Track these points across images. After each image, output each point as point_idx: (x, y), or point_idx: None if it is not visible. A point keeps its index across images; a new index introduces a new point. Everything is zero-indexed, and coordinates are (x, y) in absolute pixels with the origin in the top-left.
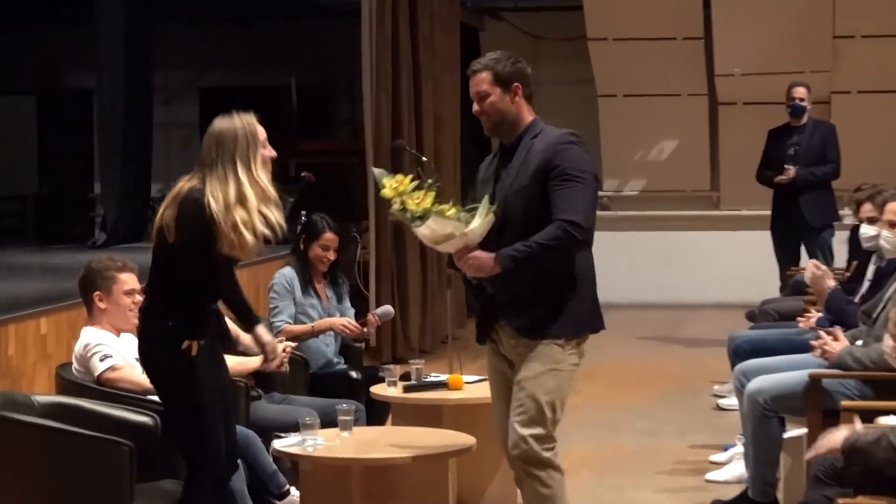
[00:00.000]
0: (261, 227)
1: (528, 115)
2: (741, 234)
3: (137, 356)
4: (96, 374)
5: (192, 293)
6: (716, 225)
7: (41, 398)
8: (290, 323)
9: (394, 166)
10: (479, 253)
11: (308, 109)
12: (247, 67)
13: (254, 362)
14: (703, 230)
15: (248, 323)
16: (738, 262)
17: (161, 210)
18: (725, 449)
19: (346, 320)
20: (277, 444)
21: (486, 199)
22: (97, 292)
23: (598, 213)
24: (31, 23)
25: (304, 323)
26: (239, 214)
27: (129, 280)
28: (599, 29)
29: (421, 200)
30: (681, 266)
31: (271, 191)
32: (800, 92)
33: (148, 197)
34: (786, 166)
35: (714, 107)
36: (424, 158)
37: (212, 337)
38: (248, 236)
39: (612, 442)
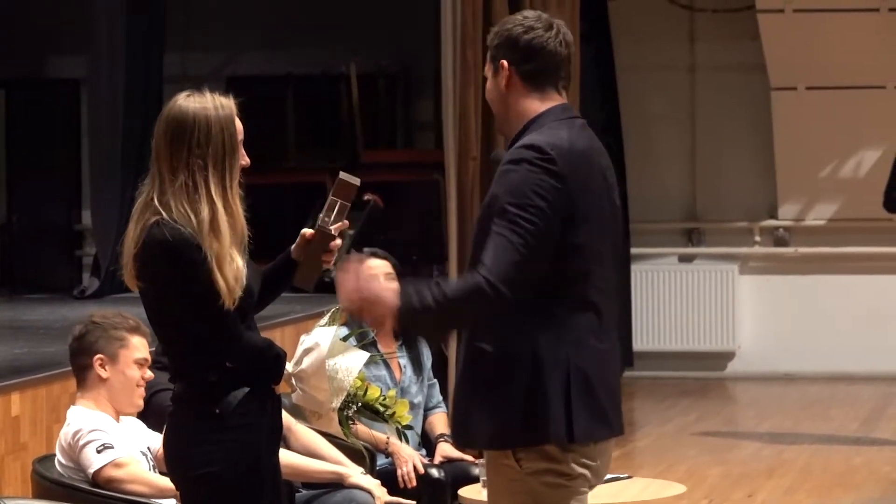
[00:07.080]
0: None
1: (532, 107)
2: None
3: (164, 445)
4: (91, 470)
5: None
6: None
7: None
8: None
9: (485, 188)
10: (377, 284)
11: (374, 106)
12: (292, 49)
13: (325, 472)
14: None
15: None
16: None
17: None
18: None
19: (414, 456)
20: None
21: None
22: (99, 356)
23: (773, 249)
24: None
25: None
26: (215, 248)
27: (140, 346)
28: None
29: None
30: (891, 323)
31: (244, 225)
32: None
33: None
34: None
35: None
36: None
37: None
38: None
39: None
